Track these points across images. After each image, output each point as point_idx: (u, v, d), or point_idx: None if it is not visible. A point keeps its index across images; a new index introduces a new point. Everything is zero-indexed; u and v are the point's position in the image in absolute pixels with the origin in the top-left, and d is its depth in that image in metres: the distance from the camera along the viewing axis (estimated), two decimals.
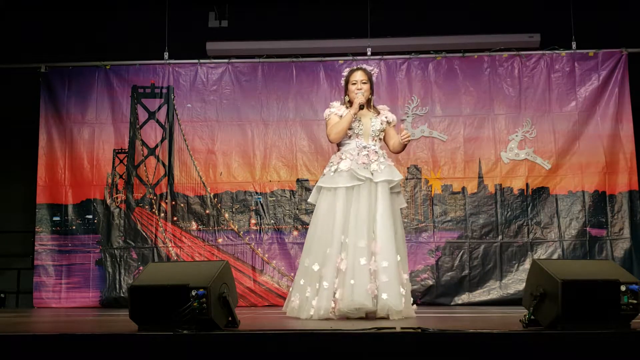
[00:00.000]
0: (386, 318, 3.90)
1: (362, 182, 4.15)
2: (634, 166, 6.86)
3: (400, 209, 4.40)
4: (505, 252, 6.87)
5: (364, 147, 4.23)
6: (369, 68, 4.43)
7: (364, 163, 4.17)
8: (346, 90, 4.37)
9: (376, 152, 4.23)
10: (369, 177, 4.15)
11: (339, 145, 4.34)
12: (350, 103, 4.30)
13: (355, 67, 4.44)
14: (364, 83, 4.30)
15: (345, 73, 4.44)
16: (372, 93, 4.37)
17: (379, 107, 4.44)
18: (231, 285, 3.06)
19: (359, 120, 4.27)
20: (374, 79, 4.44)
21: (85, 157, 7.23)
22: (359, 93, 4.25)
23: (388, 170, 4.20)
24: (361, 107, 4.22)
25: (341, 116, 4.28)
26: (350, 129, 4.26)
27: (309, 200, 4.51)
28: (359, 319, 3.95)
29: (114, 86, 7.31)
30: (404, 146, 4.35)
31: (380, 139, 4.32)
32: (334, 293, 4.01)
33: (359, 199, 4.13)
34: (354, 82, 4.31)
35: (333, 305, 3.99)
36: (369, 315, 4.01)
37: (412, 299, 4.26)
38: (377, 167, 4.18)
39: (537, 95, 7.07)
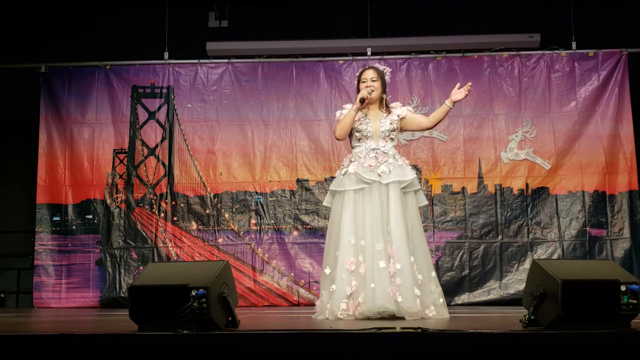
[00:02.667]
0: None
1: (370, 185, 4.12)
2: (634, 166, 6.86)
3: (422, 206, 4.34)
4: (505, 252, 6.87)
5: (372, 149, 4.18)
6: (381, 67, 4.37)
7: (370, 166, 4.13)
8: (358, 90, 4.33)
9: (385, 153, 4.18)
10: (377, 179, 4.11)
11: (351, 146, 4.32)
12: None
13: (367, 67, 4.41)
14: (374, 81, 4.26)
15: (357, 74, 4.42)
16: (384, 92, 4.32)
17: (391, 105, 4.38)
18: (231, 285, 3.05)
19: (368, 122, 4.23)
20: (387, 78, 4.37)
21: (85, 157, 7.23)
22: (364, 90, 4.22)
23: (398, 171, 4.14)
24: (362, 101, 4.17)
25: None
26: (359, 131, 4.23)
27: (323, 203, 4.49)
28: (367, 319, 3.93)
29: (114, 86, 7.32)
30: (445, 112, 4.24)
31: (391, 138, 4.25)
32: (347, 295, 4.00)
33: (371, 201, 4.10)
34: (364, 80, 4.28)
35: (344, 307, 3.98)
36: (389, 317, 3.98)
37: (441, 299, 4.15)
38: (385, 169, 4.12)
39: (537, 95, 7.08)
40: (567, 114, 7.02)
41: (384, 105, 4.33)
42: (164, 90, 7.32)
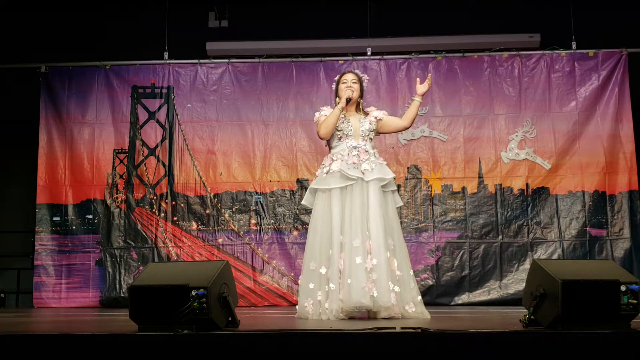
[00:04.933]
0: (387, 318, 3.96)
1: (354, 182, 4.21)
2: (634, 166, 6.86)
3: (398, 207, 4.43)
4: (505, 252, 6.87)
5: (354, 147, 4.28)
6: (360, 73, 4.52)
7: (354, 163, 4.23)
8: (337, 93, 4.45)
9: (367, 151, 4.28)
10: (360, 176, 4.20)
11: (330, 147, 4.40)
12: None
13: (346, 71, 4.55)
14: (354, 83, 4.39)
15: (336, 78, 4.53)
16: (361, 96, 4.46)
17: (367, 109, 4.50)
18: (231, 285, 3.06)
19: (348, 122, 4.33)
20: (364, 85, 4.51)
21: (85, 157, 7.23)
22: (348, 90, 4.33)
23: (379, 169, 4.26)
24: (348, 101, 4.28)
25: None
26: (339, 130, 4.32)
27: (302, 202, 4.58)
28: (366, 318, 4.00)
29: (114, 86, 7.32)
30: (416, 107, 4.44)
31: (370, 138, 4.37)
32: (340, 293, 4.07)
33: (352, 198, 4.19)
34: (345, 81, 4.40)
35: (341, 304, 4.04)
36: (370, 314, 4.07)
37: (419, 297, 4.24)
38: (367, 167, 4.23)
39: (537, 95, 7.08)
40: (567, 114, 7.02)
41: (361, 109, 4.46)
42: (164, 90, 7.32)
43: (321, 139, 4.43)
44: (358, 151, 4.26)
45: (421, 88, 4.46)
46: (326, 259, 4.17)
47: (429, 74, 4.52)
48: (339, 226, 4.16)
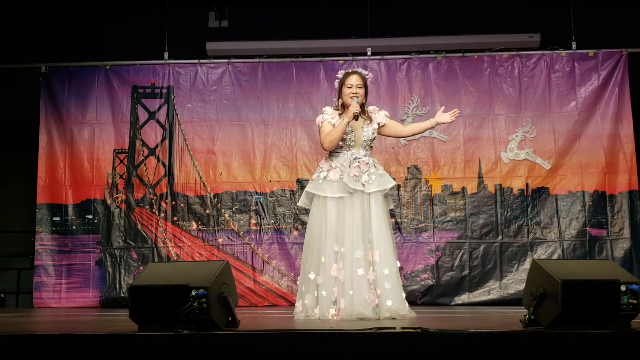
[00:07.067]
0: (388, 318, 3.98)
1: (353, 193, 4.17)
2: (634, 166, 6.86)
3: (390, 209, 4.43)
4: (505, 252, 6.87)
5: (355, 159, 4.24)
6: (364, 72, 4.37)
7: (355, 175, 4.18)
8: (340, 93, 4.32)
9: (367, 163, 4.25)
10: (361, 189, 4.16)
11: (330, 152, 4.32)
12: (344, 107, 4.28)
13: (350, 70, 4.37)
14: (360, 88, 4.25)
15: (339, 75, 4.38)
16: (365, 99, 4.34)
17: (369, 109, 4.40)
18: (231, 285, 3.06)
19: (351, 131, 4.25)
20: (368, 83, 4.38)
21: (86, 157, 7.23)
22: (354, 99, 4.21)
23: (379, 180, 4.22)
24: (356, 118, 4.17)
25: (334, 125, 4.24)
26: (342, 139, 4.24)
27: (298, 204, 4.53)
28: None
29: (114, 86, 7.31)
30: (424, 128, 4.52)
31: (370, 147, 4.34)
32: (334, 302, 4.07)
33: (353, 209, 4.15)
34: (350, 85, 4.26)
35: (334, 313, 4.04)
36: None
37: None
38: (367, 178, 4.20)
39: (537, 95, 7.07)
40: (567, 114, 7.02)
41: (365, 111, 4.35)
42: (164, 90, 7.32)
43: (324, 150, 4.33)
44: (359, 162, 4.22)
45: (441, 118, 4.39)
46: (317, 265, 4.16)
47: (457, 110, 4.45)
48: (334, 235, 4.13)
